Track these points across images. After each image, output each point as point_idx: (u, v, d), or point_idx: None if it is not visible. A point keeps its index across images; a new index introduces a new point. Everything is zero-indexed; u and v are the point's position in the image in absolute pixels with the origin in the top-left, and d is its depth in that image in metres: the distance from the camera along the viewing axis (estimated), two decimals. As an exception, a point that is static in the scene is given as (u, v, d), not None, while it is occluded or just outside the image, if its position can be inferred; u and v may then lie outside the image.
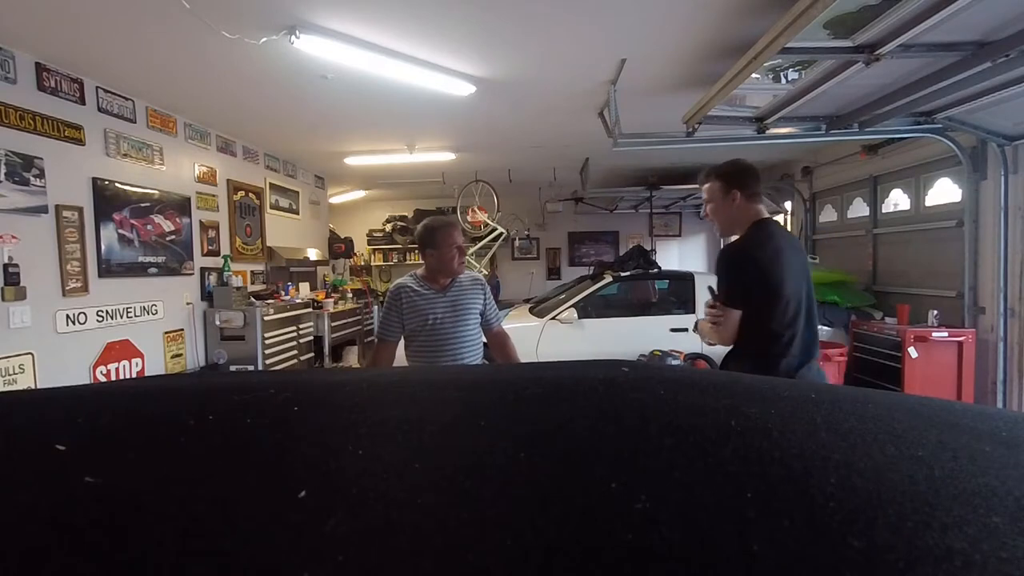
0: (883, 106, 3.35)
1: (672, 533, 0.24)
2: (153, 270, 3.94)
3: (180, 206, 4.23)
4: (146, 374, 3.83)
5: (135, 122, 3.81)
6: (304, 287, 5.90)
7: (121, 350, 3.67)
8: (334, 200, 8.02)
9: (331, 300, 5.88)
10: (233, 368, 4.40)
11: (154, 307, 3.96)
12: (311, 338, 5.36)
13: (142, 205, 3.84)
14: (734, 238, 1.95)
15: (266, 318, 4.53)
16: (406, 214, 9.26)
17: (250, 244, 5.18)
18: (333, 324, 5.66)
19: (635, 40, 3.01)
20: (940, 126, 3.68)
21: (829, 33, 2.37)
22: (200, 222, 4.49)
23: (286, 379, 0.58)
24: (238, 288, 4.62)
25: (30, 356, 3.01)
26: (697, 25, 2.82)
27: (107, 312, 3.54)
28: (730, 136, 4.03)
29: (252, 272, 5.18)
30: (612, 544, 0.24)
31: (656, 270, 5.27)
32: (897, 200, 4.82)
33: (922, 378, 3.80)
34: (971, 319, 3.88)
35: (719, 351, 5.14)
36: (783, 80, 3.09)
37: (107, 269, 3.53)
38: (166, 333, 4.10)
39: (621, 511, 0.26)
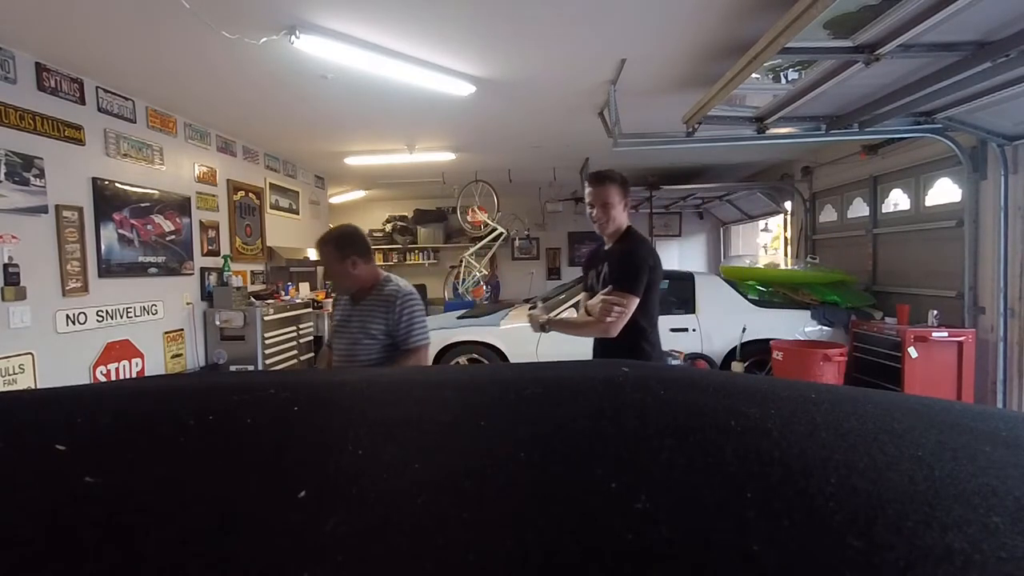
0: (883, 106, 3.35)
1: (672, 533, 0.24)
2: (153, 270, 3.94)
3: (180, 206, 4.23)
4: (146, 374, 3.83)
5: (135, 122, 3.81)
6: (304, 287, 5.90)
7: (121, 350, 3.67)
8: (334, 200, 8.02)
9: (331, 300, 5.88)
10: (233, 368, 4.40)
11: (154, 307, 3.96)
12: (311, 338, 5.36)
13: (142, 205, 3.84)
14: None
15: (266, 318, 4.53)
16: (406, 214, 9.27)
17: (250, 244, 5.18)
18: (334, 324, 5.65)
19: (635, 40, 3.01)
20: (940, 126, 3.68)
21: (829, 33, 2.37)
22: (200, 222, 4.49)
23: (286, 379, 0.58)
24: (238, 288, 4.62)
25: (30, 356, 3.01)
26: (697, 25, 2.82)
27: (107, 312, 3.54)
28: (730, 136, 4.03)
29: (252, 272, 5.18)
30: (612, 544, 0.24)
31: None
32: (897, 200, 4.81)
33: (922, 378, 3.79)
34: (971, 319, 3.88)
35: (719, 351, 5.08)
36: (783, 80, 3.09)
37: (107, 269, 3.53)
38: (166, 333, 4.10)
39: (621, 511, 0.26)
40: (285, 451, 0.35)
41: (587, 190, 2.14)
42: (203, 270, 4.49)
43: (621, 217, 2.12)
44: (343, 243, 2.08)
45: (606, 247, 2.20)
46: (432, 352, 4.83)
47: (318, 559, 0.23)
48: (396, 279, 2.15)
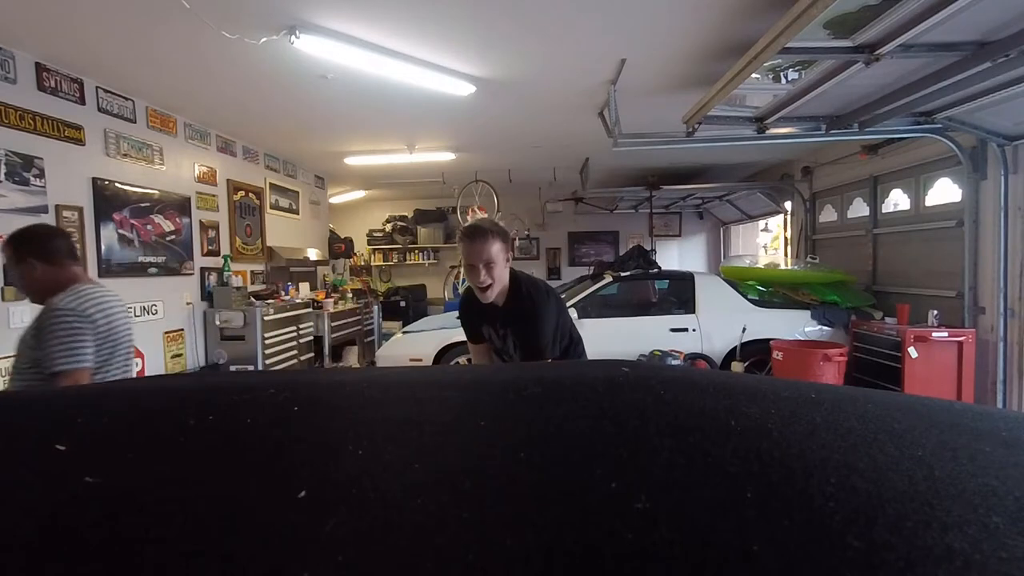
0: (883, 106, 3.35)
1: (672, 533, 0.24)
2: (153, 270, 3.94)
3: (180, 206, 4.23)
4: (146, 374, 3.83)
5: (135, 122, 3.81)
6: (304, 287, 5.90)
7: (121, 350, 3.66)
8: (334, 200, 8.02)
9: (331, 300, 5.88)
10: (233, 368, 4.40)
11: (154, 307, 3.96)
12: (311, 338, 5.36)
13: (142, 205, 3.84)
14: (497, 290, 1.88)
15: (266, 318, 4.53)
16: (406, 214, 9.27)
17: (250, 244, 5.18)
18: (333, 324, 5.66)
19: (635, 40, 3.01)
20: (940, 126, 3.68)
21: (829, 33, 2.37)
22: (200, 222, 4.49)
23: (286, 379, 0.58)
24: (238, 288, 4.62)
25: (30, 356, 3.01)
26: (697, 25, 2.82)
27: (107, 312, 3.53)
28: (730, 136, 4.03)
29: (252, 272, 5.18)
30: (612, 544, 0.24)
31: (656, 270, 5.27)
32: (897, 200, 4.82)
33: (922, 378, 3.79)
34: (971, 319, 3.88)
35: (719, 351, 5.08)
36: (783, 80, 3.09)
37: (107, 269, 3.53)
38: (166, 333, 4.10)
39: (621, 511, 0.26)
40: (285, 451, 0.35)
41: (465, 248, 1.83)
42: (203, 270, 4.49)
43: (505, 274, 1.86)
44: (18, 242, 1.78)
45: (494, 303, 1.90)
46: (432, 352, 4.83)
47: (318, 559, 0.23)
48: (78, 290, 1.76)
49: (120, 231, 3.65)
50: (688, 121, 3.62)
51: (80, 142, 3.35)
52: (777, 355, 4.27)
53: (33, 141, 3.04)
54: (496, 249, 1.80)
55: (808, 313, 4.70)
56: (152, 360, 3.93)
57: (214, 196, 4.68)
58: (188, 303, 4.32)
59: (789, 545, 0.24)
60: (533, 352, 1.85)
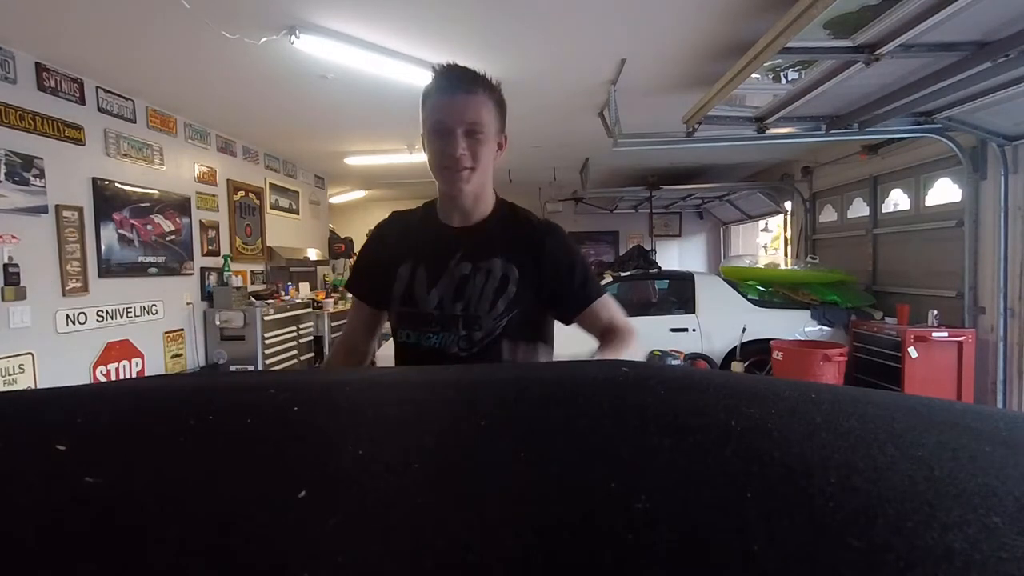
0: (883, 106, 3.35)
1: (672, 533, 0.24)
2: (153, 270, 3.94)
3: (180, 206, 4.23)
4: (146, 374, 3.83)
5: (135, 122, 3.81)
6: (304, 287, 5.90)
7: (121, 350, 3.67)
8: (334, 200, 8.02)
9: (331, 300, 5.89)
10: (233, 368, 4.40)
11: (154, 307, 3.96)
12: (311, 338, 5.36)
13: (142, 205, 3.85)
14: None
15: (266, 318, 4.53)
16: (406, 214, 9.26)
17: (250, 244, 5.18)
18: (333, 324, 5.66)
19: (635, 40, 3.01)
20: (940, 126, 3.68)
21: (829, 33, 2.37)
22: (200, 222, 4.49)
23: (286, 379, 0.58)
24: (238, 288, 4.62)
25: (30, 356, 3.01)
26: (697, 25, 2.82)
27: (107, 312, 3.54)
28: (730, 136, 4.03)
29: (252, 272, 5.18)
30: (612, 544, 0.24)
31: (656, 270, 5.27)
32: (897, 200, 4.82)
33: (922, 378, 3.79)
34: (971, 319, 3.88)
35: (719, 351, 5.08)
36: (783, 80, 3.09)
37: (107, 269, 3.53)
38: (166, 333, 4.10)
39: (621, 511, 0.26)
40: (285, 451, 0.35)
41: (436, 101, 1.12)
42: (203, 270, 4.49)
43: (490, 170, 1.16)
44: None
45: (450, 225, 1.22)
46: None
47: (318, 559, 0.23)
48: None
49: (120, 231, 3.65)
50: (688, 121, 3.62)
51: (80, 142, 3.35)
52: (777, 355, 4.27)
53: (33, 141, 3.04)
54: (489, 112, 1.10)
55: (808, 313, 4.70)
56: (152, 360, 3.93)
57: (214, 196, 4.68)
58: (188, 303, 4.32)
59: (789, 545, 0.24)
60: (588, 290, 1.17)
